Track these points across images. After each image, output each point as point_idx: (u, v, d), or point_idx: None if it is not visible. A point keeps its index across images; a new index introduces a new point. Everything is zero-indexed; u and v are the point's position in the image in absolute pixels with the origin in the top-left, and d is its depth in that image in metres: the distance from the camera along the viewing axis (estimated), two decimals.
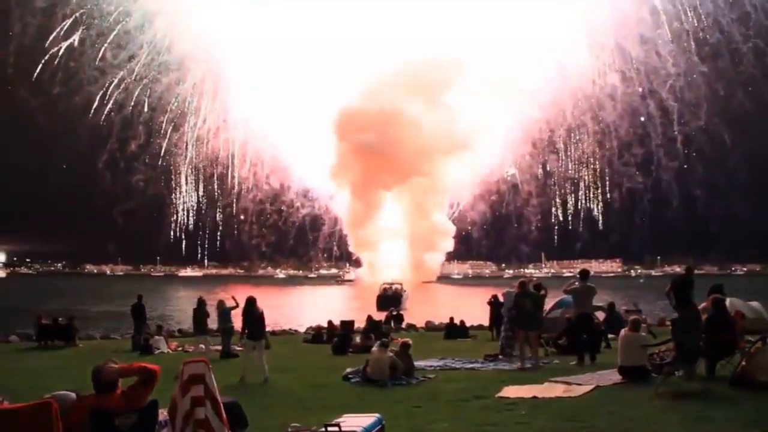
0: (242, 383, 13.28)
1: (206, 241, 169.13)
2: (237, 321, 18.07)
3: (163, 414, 5.97)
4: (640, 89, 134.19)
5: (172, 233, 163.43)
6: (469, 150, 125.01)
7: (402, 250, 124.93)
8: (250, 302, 15.06)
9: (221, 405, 5.64)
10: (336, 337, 20.99)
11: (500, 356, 16.11)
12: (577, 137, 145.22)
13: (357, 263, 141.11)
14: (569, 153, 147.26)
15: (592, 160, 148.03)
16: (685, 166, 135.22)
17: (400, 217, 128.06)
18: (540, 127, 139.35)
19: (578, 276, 15.55)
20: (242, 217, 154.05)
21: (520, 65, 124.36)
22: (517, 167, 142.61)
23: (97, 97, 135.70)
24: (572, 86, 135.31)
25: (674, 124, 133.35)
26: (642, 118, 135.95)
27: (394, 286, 62.24)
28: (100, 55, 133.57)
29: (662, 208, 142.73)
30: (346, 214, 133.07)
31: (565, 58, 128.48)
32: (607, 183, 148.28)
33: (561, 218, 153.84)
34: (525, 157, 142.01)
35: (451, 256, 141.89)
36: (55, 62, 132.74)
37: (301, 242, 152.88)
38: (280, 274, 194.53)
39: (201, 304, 20.76)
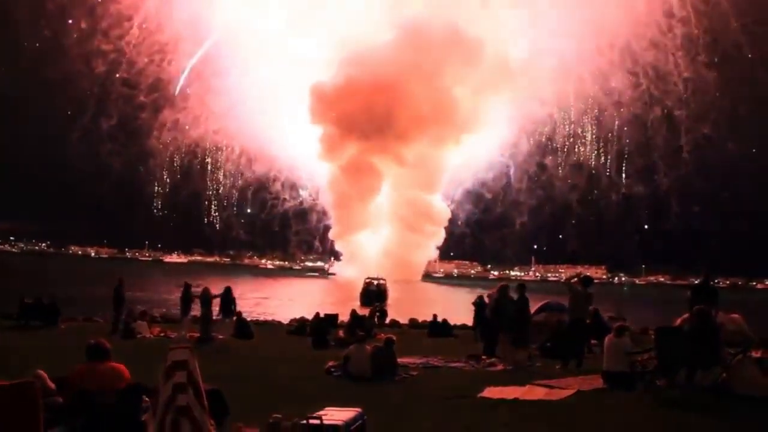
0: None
1: (191, 228, 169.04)
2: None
3: (145, 400, 5.95)
4: (647, 93, 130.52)
5: (157, 218, 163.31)
6: (465, 137, 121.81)
7: (387, 242, 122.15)
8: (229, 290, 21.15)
9: (204, 392, 5.61)
10: (317, 329, 20.87)
11: (483, 357, 16.14)
12: (578, 138, 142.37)
13: (338, 257, 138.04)
14: (568, 154, 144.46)
15: (590, 163, 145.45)
16: (686, 176, 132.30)
17: (390, 198, 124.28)
18: (540, 124, 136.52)
19: (581, 279, 15.58)
20: (226, 205, 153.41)
21: (524, 54, 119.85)
22: (512, 164, 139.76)
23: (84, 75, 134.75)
24: (576, 85, 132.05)
25: (681, 133, 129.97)
26: (647, 123, 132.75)
27: (377, 282, 61.70)
28: (88, 32, 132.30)
29: (656, 216, 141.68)
30: (332, 195, 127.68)
31: (571, 54, 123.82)
32: (604, 188, 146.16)
33: (551, 221, 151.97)
34: (521, 154, 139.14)
35: (441, 249, 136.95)
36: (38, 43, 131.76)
37: (286, 234, 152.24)
38: (269, 265, 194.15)
39: (187, 289, 21.26)
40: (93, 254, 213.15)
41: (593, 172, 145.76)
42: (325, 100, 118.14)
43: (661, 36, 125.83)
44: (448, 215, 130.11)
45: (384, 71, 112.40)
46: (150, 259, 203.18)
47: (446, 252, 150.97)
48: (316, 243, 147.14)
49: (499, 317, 16.51)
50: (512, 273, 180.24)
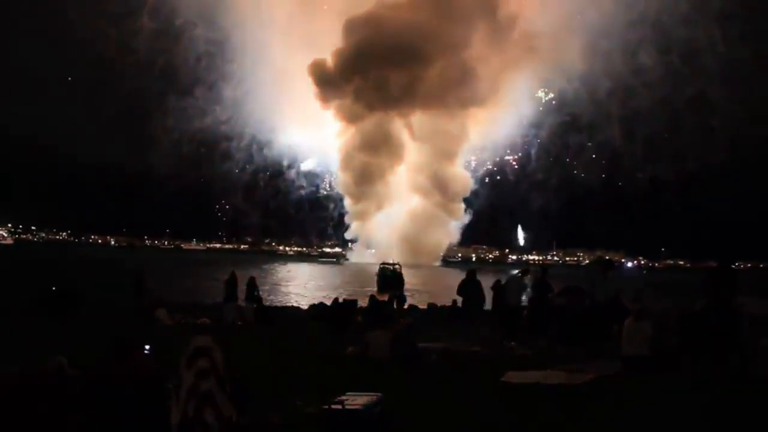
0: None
1: (207, 216, 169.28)
2: None
3: (168, 387, 6.00)
4: (678, 71, 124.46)
5: (173, 207, 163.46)
6: (486, 112, 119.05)
7: (405, 224, 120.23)
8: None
9: (226, 380, 5.66)
10: (337, 315, 21.01)
11: (503, 342, 16.15)
12: (604, 118, 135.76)
13: (353, 243, 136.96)
14: (592, 134, 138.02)
15: (615, 143, 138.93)
16: (717, 159, 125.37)
17: (409, 171, 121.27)
18: (565, 103, 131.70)
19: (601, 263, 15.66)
20: (242, 192, 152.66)
21: (551, 28, 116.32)
22: (535, 144, 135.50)
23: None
24: (604, 62, 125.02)
25: (711, 113, 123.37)
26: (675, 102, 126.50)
27: (392, 267, 61.15)
28: (95, 15, 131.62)
29: (682, 200, 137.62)
30: (349, 174, 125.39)
31: (600, 28, 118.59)
32: (628, 170, 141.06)
33: (572, 204, 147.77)
34: (545, 134, 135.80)
35: (463, 230, 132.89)
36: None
37: (303, 221, 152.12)
38: (290, 251, 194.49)
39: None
40: (113, 243, 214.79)
41: (618, 153, 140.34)
42: (331, 73, 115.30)
43: (695, 9, 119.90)
44: (470, 185, 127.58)
45: (401, 37, 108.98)
46: (171, 247, 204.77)
47: (465, 236, 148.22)
48: (329, 229, 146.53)
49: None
50: (531, 257, 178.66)
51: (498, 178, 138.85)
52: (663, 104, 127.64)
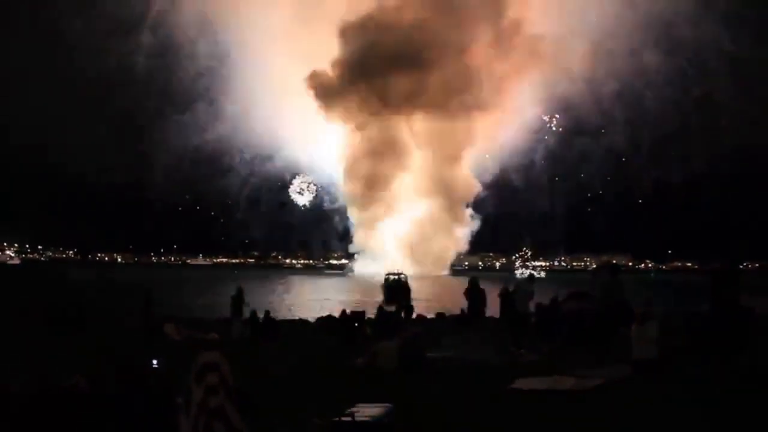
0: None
1: (213, 231, 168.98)
2: None
3: (177, 402, 6.00)
4: (684, 72, 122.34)
5: (177, 222, 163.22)
6: (490, 113, 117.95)
7: (412, 232, 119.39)
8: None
9: (236, 394, 5.66)
10: (345, 326, 21.01)
11: (512, 348, 16.11)
12: (609, 120, 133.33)
13: (357, 254, 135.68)
14: (598, 137, 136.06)
15: (621, 146, 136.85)
16: (722, 161, 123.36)
17: (414, 177, 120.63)
18: (570, 106, 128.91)
19: (608, 269, 15.71)
20: (249, 207, 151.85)
21: (556, 30, 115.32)
22: (539, 148, 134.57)
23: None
24: (610, 64, 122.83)
25: (719, 114, 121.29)
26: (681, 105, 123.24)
27: (397, 276, 60.81)
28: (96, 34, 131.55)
29: (688, 201, 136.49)
30: (354, 182, 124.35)
31: (605, 30, 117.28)
32: (634, 172, 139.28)
33: (578, 208, 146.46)
34: (549, 138, 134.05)
35: (471, 238, 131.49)
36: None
37: (308, 233, 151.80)
38: (297, 264, 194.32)
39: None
40: (120, 260, 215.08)
41: (624, 156, 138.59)
42: (333, 82, 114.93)
43: (701, 9, 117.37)
44: (476, 188, 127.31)
45: (403, 41, 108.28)
46: (178, 263, 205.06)
47: (471, 244, 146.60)
48: (335, 241, 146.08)
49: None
50: (537, 263, 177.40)
51: (503, 182, 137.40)
52: (669, 106, 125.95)
